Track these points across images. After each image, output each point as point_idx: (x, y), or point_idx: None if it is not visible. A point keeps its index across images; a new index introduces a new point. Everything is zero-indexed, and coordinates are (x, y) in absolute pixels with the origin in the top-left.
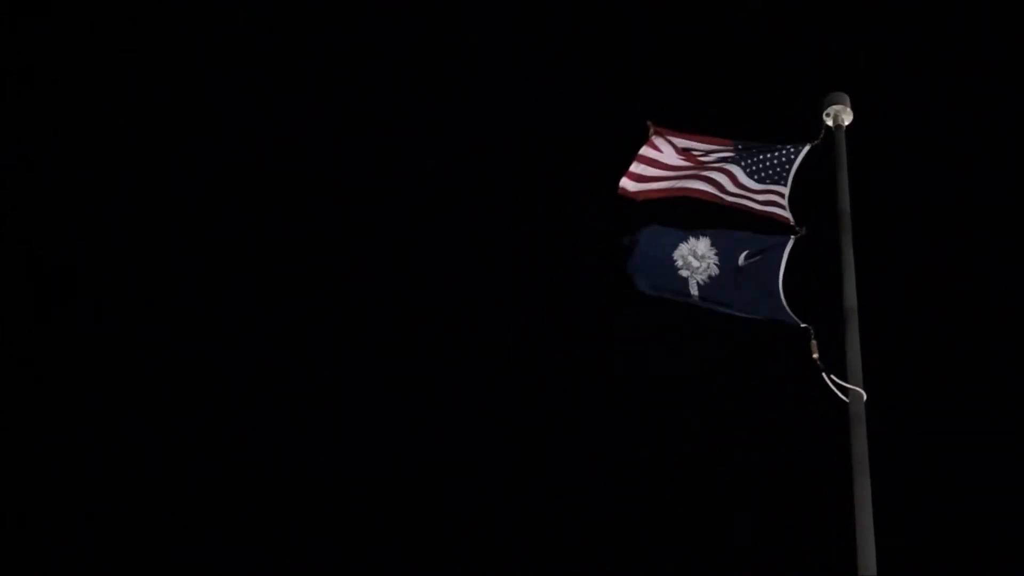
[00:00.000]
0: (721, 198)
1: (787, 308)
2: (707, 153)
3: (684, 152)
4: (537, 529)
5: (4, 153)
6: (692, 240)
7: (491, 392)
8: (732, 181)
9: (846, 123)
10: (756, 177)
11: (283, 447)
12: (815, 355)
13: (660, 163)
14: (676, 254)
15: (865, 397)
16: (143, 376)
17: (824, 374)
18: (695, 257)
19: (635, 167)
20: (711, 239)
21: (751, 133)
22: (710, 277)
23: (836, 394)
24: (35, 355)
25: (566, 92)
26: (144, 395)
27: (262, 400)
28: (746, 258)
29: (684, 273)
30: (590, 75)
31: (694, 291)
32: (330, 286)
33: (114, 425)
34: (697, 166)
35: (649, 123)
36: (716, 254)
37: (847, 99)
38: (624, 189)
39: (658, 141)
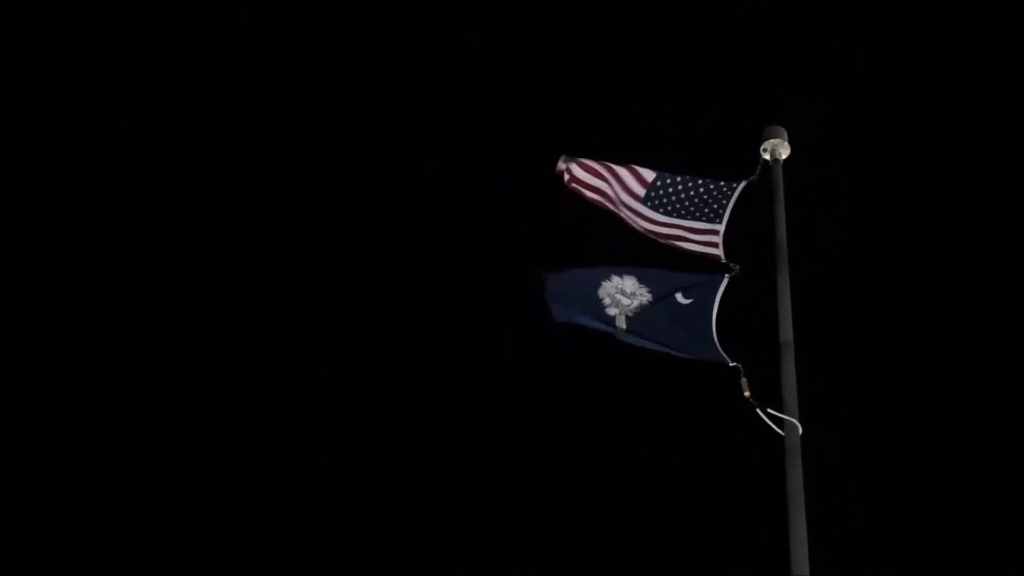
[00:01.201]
0: (654, 232)
1: (719, 348)
2: (626, 192)
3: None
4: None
5: (3, 153)
6: (616, 278)
7: (486, 392)
8: (651, 221)
9: (783, 157)
10: (692, 218)
11: (282, 447)
12: (747, 392)
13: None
14: (602, 292)
15: (801, 430)
16: (142, 376)
17: (758, 409)
18: (623, 295)
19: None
20: (637, 277)
21: (687, 167)
22: (641, 309)
23: (771, 427)
24: (34, 355)
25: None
26: (143, 395)
27: (261, 400)
28: (683, 295)
29: (612, 311)
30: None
31: (621, 325)
32: (329, 286)
33: (113, 426)
34: (617, 200)
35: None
36: (648, 291)
37: (784, 133)
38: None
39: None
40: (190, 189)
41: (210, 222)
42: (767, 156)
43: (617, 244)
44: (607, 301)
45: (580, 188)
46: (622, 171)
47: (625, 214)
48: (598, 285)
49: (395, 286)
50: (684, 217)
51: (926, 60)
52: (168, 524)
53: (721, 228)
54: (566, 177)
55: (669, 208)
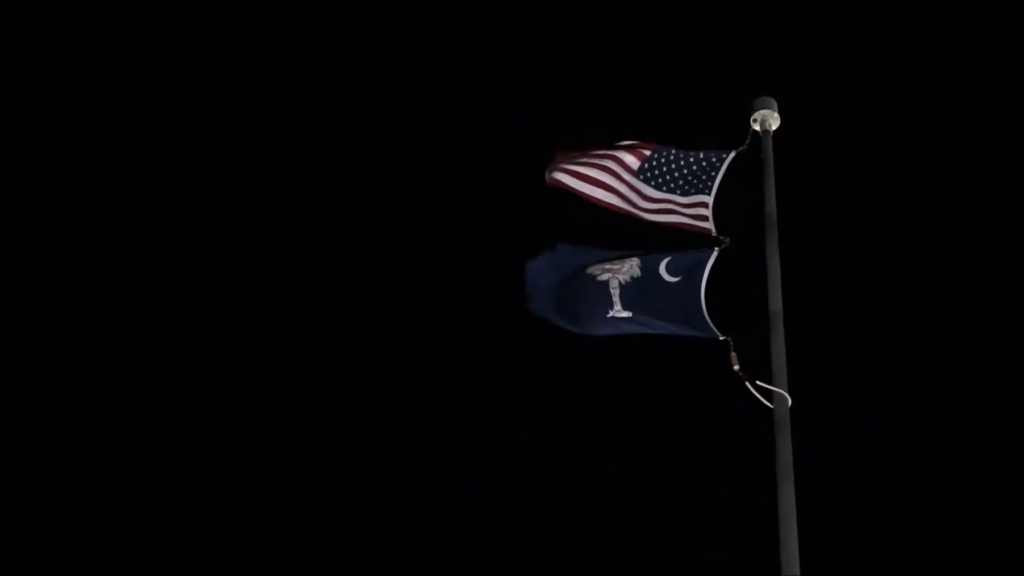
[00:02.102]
0: (639, 215)
1: (709, 322)
2: (622, 166)
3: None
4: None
5: (3, 153)
6: (604, 253)
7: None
8: (659, 203)
9: (773, 128)
10: (681, 192)
11: (280, 447)
12: (736, 367)
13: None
14: (591, 268)
15: (790, 401)
16: (141, 376)
17: (747, 382)
18: (610, 264)
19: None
20: (623, 253)
21: (677, 138)
22: (631, 284)
23: (760, 400)
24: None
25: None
26: (142, 395)
27: (260, 400)
28: (669, 273)
29: (603, 277)
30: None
31: (616, 298)
32: (328, 286)
33: (112, 426)
34: (613, 177)
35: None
36: (636, 265)
37: (775, 104)
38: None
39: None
40: (189, 189)
41: (209, 222)
42: (757, 127)
43: (608, 238)
44: (597, 272)
45: (574, 185)
46: (616, 152)
47: (620, 192)
48: (587, 263)
49: (394, 286)
50: (675, 191)
51: (919, 32)
52: (166, 524)
53: (710, 200)
54: (553, 179)
55: (661, 182)
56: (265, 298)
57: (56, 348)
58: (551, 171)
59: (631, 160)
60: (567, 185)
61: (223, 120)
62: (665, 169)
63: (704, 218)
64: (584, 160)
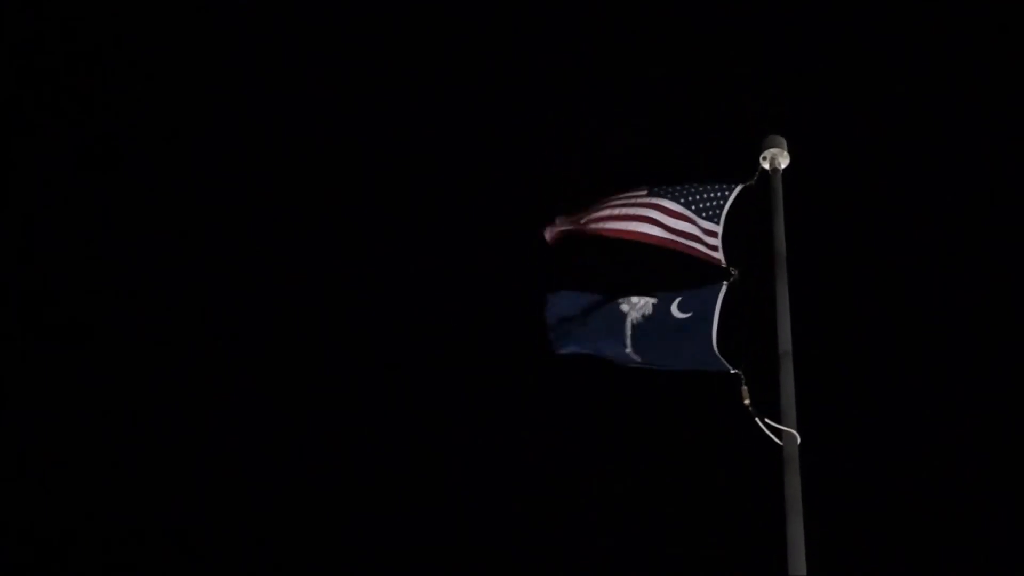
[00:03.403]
0: (655, 236)
1: (719, 357)
2: (634, 195)
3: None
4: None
5: (3, 153)
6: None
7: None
8: (665, 213)
9: (783, 166)
10: (694, 209)
11: (280, 447)
12: (746, 400)
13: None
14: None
15: (799, 439)
16: (142, 376)
17: (757, 418)
18: (629, 304)
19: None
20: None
21: (687, 175)
22: (644, 322)
23: (769, 437)
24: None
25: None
26: (142, 395)
27: (260, 400)
28: (680, 310)
29: (624, 307)
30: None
31: (628, 338)
32: (328, 286)
33: (112, 426)
34: (629, 203)
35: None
36: (650, 303)
37: (784, 142)
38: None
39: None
40: (189, 189)
41: (209, 222)
42: (766, 165)
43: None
44: (623, 304)
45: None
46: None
47: (637, 214)
48: (607, 301)
49: (393, 286)
50: (687, 207)
51: (926, 71)
52: (167, 524)
53: (719, 230)
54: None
55: (678, 195)
56: (265, 298)
57: (56, 348)
58: (556, 230)
59: (639, 192)
60: (579, 230)
61: (223, 120)
62: (678, 192)
63: (714, 247)
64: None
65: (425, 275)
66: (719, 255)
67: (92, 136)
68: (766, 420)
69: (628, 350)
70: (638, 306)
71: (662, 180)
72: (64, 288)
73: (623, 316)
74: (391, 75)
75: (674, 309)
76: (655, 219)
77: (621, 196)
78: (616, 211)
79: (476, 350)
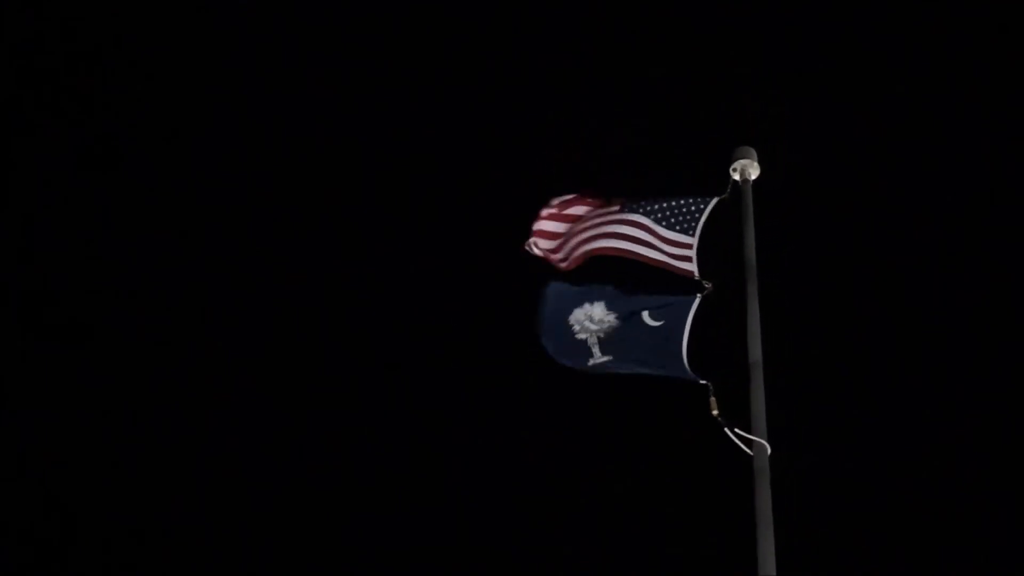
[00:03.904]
0: (634, 252)
1: (687, 368)
2: (608, 211)
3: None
4: None
5: (3, 153)
6: (587, 305)
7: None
8: (644, 230)
9: (753, 177)
10: (666, 224)
11: (280, 447)
12: (715, 411)
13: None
14: (572, 319)
15: (769, 450)
16: (142, 376)
17: (727, 429)
18: (591, 321)
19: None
20: (606, 303)
21: (658, 187)
22: (611, 333)
23: (740, 447)
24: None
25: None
26: (142, 395)
27: (260, 400)
28: (652, 318)
29: (582, 336)
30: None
31: (595, 349)
32: (328, 286)
33: (112, 426)
34: (603, 222)
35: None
36: (615, 316)
37: (754, 153)
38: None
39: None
40: (189, 189)
41: (209, 222)
42: (737, 176)
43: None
44: (576, 328)
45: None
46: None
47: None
48: (570, 311)
49: (393, 286)
50: (659, 223)
51: (896, 82)
52: (167, 524)
53: (694, 242)
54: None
55: (646, 211)
56: (265, 298)
57: (56, 348)
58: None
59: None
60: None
61: (223, 120)
62: (648, 207)
63: (687, 259)
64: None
65: (425, 275)
66: (693, 268)
67: (92, 136)
68: (736, 430)
69: (596, 357)
70: (605, 322)
71: (633, 191)
72: (64, 288)
73: (584, 338)
74: (391, 75)
75: (646, 316)
76: (629, 235)
77: (595, 215)
78: (590, 232)
79: (476, 350)
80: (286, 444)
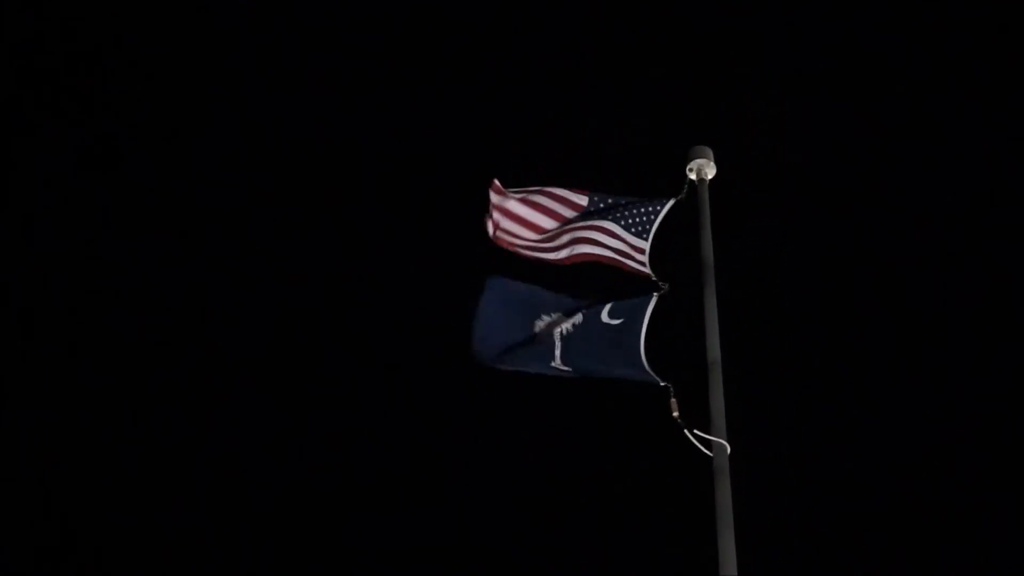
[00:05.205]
0: (589, 253)
1: (648, 369)
2: (567, 209)
3: (541, 211)
4: None
5: (3, 153)
6: (545, 316)
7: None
8: (598, 231)
9: (709, 177)
10: (624, 225)
11: (280, 447)
12: (675, 413)
13: (523, 220)
14: (527, 316)
15: (729, 450)
16: (142, 376)
17: (686, 430)
18: (550, 317)
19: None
20: (564, 311)
21: (613, 186)
22: (568, 333)
23: (699, 448)
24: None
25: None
26: (142, 395)
27: (260, 400)
28: (610, 316)
29: (541, 333)
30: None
31: (556, 351)
32: (328, 286)
33: (112, 426)
34: (564, 228)
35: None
36: (572, 321)
37: (711, 153)
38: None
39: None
40: (189, 189)
41: (209, 222)
42: (693, 176)
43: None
44: (538, 325)
45: (510, 239)
46: (554, 196)
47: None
48: (525, 308)
49: (392, 284)
50: (619, 224)
51: (853, 82)
52: (167, 524)
53: (647, 246)
54: (493, 231)
55: (607, 214)
56: (265, 298)
57: (56, 348)
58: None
59: (576, 199)
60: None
61: (223, 120)
62: (609, 209)
63: (643, 263)
64: (523, 200)
65: (425, 275)
66: (647, 270)
67: (92, 136)
68: (696, 431)
69: (557, 362)
70: (568, 319)
71: (589, 188)
72: (64, 288)
73: (551, 332)
74: (391, 75)
75: (604, 315)
76: (589, 238)
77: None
78: (554, 242)
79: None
80: (286, 444)
